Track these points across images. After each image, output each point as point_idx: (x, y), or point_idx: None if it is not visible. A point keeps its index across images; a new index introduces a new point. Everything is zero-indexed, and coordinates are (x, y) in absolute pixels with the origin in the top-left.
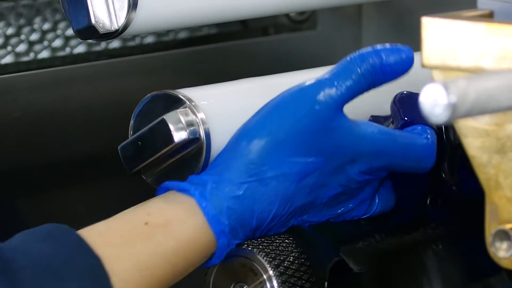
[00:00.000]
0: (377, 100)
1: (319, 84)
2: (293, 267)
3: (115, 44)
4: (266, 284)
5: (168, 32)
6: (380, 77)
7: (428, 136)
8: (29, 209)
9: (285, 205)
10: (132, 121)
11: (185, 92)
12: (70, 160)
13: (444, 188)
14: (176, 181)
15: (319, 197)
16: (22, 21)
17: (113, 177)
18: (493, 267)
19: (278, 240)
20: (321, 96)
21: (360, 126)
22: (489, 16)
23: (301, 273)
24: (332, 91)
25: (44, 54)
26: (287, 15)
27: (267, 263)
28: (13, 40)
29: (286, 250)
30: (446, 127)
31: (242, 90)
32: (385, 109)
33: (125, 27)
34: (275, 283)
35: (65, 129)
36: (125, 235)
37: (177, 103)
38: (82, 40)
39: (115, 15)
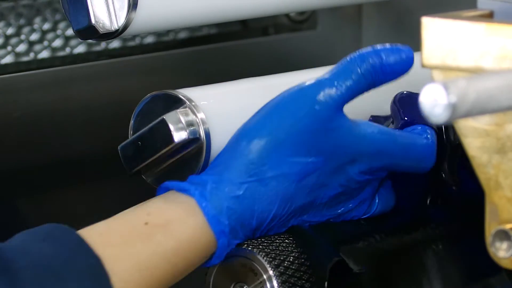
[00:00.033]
0: (377, 100)
1: (319, 84)
2: (293, 267)
3: (115, 44)
4: (266, 284)
5: (168, 32)
6: (380, 77)
7: (428, 136)
8: (29, 209)
9: (285, 205)
10: (132, 121)
11: (185, 92)
12: (70, 160)
13: (444, 188)
14: (176, 181)
15: (319, 197)
16: (22, 21)
17: (113, 177)
18: (493, 267)
19: (278, 240)
20: (321, 96)
21: (360, 126)
22: (489, 16)
23: (301, 273)
24: (332, 91)
25: (44, 54)
26: (287, 15)
27: (267, 263)
28: (13, 40)
29: (286, 250)
30: (446, 127)
31: (242, 90)
32: (385, 109)
33: (125, 27)
34: (275, 283)
35: (65, 129)
36: (125, 235)
37: (177, 103)
38: (82, 40)
39: (115, 15)
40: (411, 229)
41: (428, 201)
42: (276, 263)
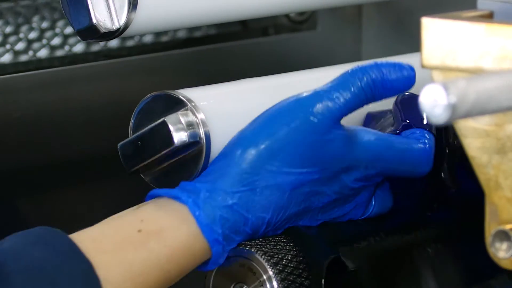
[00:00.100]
0: None
1: (317, 96)
2: (291, 265)
3: (115, 44)
4: (266, 285)
5: (168, 32)
6: (380, 92)
7: (426, 141)
8: (29, 209)
9: (279, 213)
10: (132, 121)
11: (186, 93)
12: (70, 160)
13: (444, 189)
14: (167, 189)
15: (313, 204)
16: (20, 20)
17: (113, 177)
18: (493, 267)
19: (276, 239)
20: (318, 108)
21: (356, 135)
22: (489, 17)
23: (300, 271)
24: (329, 104)
25: (43, 52)
26: (287, 16)
27: (266, 262)
28: (12, 39)
29: (284, 249)
30: (445, 129)
31: (242, 90)
32: (382, 104)
33: (125, 27)
34: (275, 283)
35: (65, 129)
36: (118, 241)
37: (178, 104)
38: (81, 39)
39: (116, 14)
40: (410, 229)
41: (428, 202)
42: (274, 261)
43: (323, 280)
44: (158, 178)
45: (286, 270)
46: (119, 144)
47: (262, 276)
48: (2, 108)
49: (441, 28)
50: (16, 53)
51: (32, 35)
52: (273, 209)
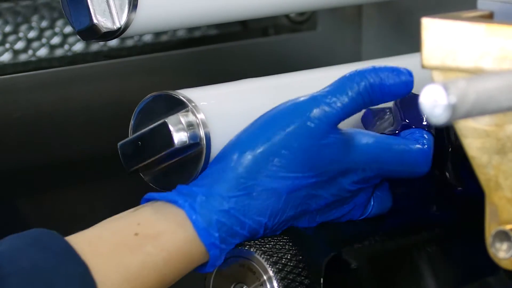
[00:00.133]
0: None
1: (314, 100)
2: (291, 264)
3: (115, 44)
4: (266, 284)
5: (168, 32)
6: (377, 96)
7: (425, 141)
8: (29, 209)
9: (276, 216)
10: (132, 121)
11: (186, 94)
12: (70, 160)
13: (446, 188)
14: (163, 193)
15: (310, 207)
16: (19, 19)
17: (113, 177)
18: (493, 267)
19: (275, 239)
20: (315, 113)
21: (354, 138)
22: (489, 17)
23: (300, 270)
24: (326, 108)
25: (42, 51)
26: (287, 16)
27: (265, 261)
28: (11, 38)
29: (283, 249)
30: (447, 128)
31: (243, 90)
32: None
33: (125, 27)
34: (274, 282)
35: (65, 129)
36: (115, 245)
37: (179, 104)
38: (80, 38)
39: (117, 14)
40: (409, 228)
41: (428, 202)
42: (273, 260)
43: (322, 279)
44: (158, 178)
45: (285, 269)
46: (119, 144)
47: (261, 275)
48: (2, 108)
49: (441, 28)
50: (16, 52)
51: (32, 34)
52: (270, 213)
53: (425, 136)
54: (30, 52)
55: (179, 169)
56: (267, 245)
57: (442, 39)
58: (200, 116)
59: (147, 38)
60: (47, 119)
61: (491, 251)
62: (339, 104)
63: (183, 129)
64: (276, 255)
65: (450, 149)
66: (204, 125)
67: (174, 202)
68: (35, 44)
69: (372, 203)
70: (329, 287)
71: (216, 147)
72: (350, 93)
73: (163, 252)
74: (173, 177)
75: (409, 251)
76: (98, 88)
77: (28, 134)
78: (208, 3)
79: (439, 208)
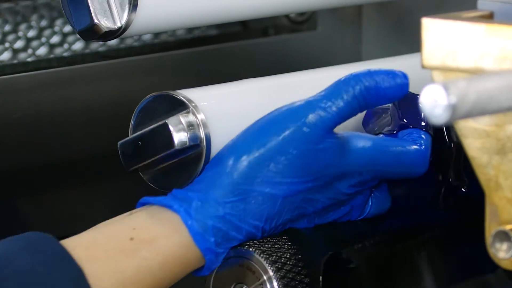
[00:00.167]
0: None
1: (309, 105)
2: (290, 263)
3: (115, 44)
4: (266, 283)
5: (168, 32)
6: (373, 100)
7: (422, 141)
8: (29, 209)
9: (272, 220)
10: (132, 121)
11: (186, 94)
12: (70, 160)
13: (448, 189)
14: (158, 197)
15: (307, 211)
16: (19, 19)
17: (113, 177)
18: (493, 268)
19: (274, 239)
20: (311, 118)
21: (350, 142)
22: (489, 17)
23: (299, 268)
24: (322, 113)
25: (42, 50)
26: (287, 16)
27: (264, 260)
28: (11, 37)
29: (282, 248)
30: (449, 128)
31: (243, 91)
32: None
33: (126, 26)
34: (274, 281)
35: (65, 129)
36: (110, 249)
37: (179, 105)
38: (79, 37)
39: (117, 13)
40: (409, 228)
41: (429, 202)
42: (272, 259)
43: (320, 278)
44: (157, 177)
45: (285, 268)
46: (119, 143)
47: (261, 275)
48: (2, 108)
49: (442, 28)
50: (15, 51)
51: (31, 33)
52: (266, 217)
53: (423, 136)
54: (29, 51)
55: (179, 169)
56: (266, 245)
57: (442, 39)
58: (201, 116)
59: (147, 38)
60: (47, 119)
61: (491, 251)
62: (334, 109)
63: (183, 131)
64: (275, 254)
65: (453, 150)
66: (205, 126)
67: (169, 207)
68: (34, 43)
69: (370, 203)
70: (328, 285)
71: (216, 148)
72: (345, 97)
73: (159, 257)
74: (172, 177)
75: (408, 251)
76: (98, 88)
77: (28, 134)
78: (208, 3)
79: (439, 208)
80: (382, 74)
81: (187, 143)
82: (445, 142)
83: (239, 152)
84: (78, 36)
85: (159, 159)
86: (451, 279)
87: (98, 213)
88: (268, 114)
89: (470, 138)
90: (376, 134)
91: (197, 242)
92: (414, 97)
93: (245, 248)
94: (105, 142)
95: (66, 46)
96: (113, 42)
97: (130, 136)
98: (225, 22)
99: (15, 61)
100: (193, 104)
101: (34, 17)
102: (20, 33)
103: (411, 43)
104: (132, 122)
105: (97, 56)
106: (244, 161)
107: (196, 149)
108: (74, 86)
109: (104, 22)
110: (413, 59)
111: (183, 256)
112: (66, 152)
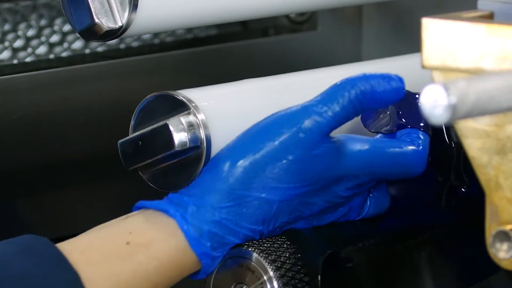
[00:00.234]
0: None
1: (305, 110)
2: (290, 262)
3: (114, 44)
4: (266, 283)
5: (168, 32)
6: (369, 104)
7: (420, 142)
8: (29, 209)
9: (269, 223)
10: (133, 121)
11: (187, 94)
12: (70, 160)
13: (448, 189)
14: (154, 201)
15: (304, 213)
16: (18, 18)
17: (113, 177)
18: (494, 268)
19: (273, 239)
20: (307, 123)
21: (346, 146)
22: (489, 17)
23: (299, 267)
24: (317, 118)
25: (42, 50)
26: (287, 16)
27: (264, 260)
28: (10, 36)
29: (281, 247)
30: (449, 129)
31: (243, 91)
32: None
33: (127, 26)
34: (274, 280)
35: (65, 129)
36: (106, 253)
37: (179, 105)
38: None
39: (118, 13)
40: (408, 228)
41: (429, 202)
42: (272, 258)
43: (319, 277)
44: (157, 177)
45: (284, 267)
46: (119, 142)
47: (261, 274)
48: (2, 108)
49: (442, 28)
50: (15, 51)
51: (30, 32)
52: (262, 221)
53: (421, 136)
54: (29, 50)
55: (179, 170)
56: (265, 244)
57: (442, 39)
58: (201, 116)
59: (147, 38)
60: (47, 119)
61: (491, 251)
62: (330, 114)
63: (184, 131)
64: (274, 253)
65: (453, 150)
66: (205, 126)
67: (165, 211)
68: (33, 42)
69: (368, 204)
70: (328, 284)
71: (216, 148)
72: (341, 102)
73: (155, 261)
74: (172, 177)
75: (408, 250)
76: (98, 88)
77: (28, 134)
78: (208, 3)
79: (438, 208)
80: (377, 78)
81: (188, 144)
82: (445, 142)
83: (235, 157)
84: (77, 35)
85: (159, 159)
86: (450, 280)
87: (98, 213)
88: (265, 119)
89: (470, 138)
90: (375, 133)
91: (193, 247)
92: (414, 97)
93: (244, 248)
94: (105, 142)
95: (65, 45)
96: (113, 42)
97: (131, 136)
98: (225, 22)
99: (15, 61)
100: (193, 104)
101: (33, 16)
102: (20, 32)
103: (411, 43)
104: (132, 122)
105: (96, 56)
106: (240, 166)
107: (196, 150)
108: (74, 86)
109: (105, 22)
110: (413, 59)
111: (179, 260)
112: (66, 152)
